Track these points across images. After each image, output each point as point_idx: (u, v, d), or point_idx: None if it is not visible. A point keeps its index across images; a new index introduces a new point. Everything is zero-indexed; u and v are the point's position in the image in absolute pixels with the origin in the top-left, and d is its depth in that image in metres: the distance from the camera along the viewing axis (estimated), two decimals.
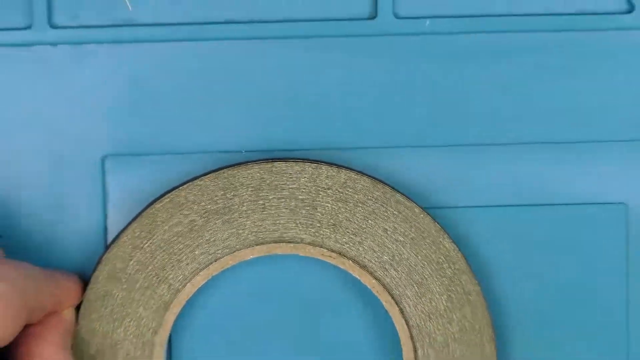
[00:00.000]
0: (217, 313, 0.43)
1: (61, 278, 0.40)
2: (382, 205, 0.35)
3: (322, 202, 0.35)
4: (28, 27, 0.35)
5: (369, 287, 0.35)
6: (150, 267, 0.36)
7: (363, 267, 0.35)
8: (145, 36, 0.35)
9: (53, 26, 0.35)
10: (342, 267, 0.35)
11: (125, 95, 0.36)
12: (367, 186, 0.35)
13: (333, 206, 0.35)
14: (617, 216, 0.38)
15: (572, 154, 0.38)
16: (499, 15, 0.36)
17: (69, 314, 0.40)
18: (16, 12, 0.35)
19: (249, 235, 0.35)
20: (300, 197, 0.35)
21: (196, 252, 0.35)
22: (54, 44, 0.35)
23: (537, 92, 0.38)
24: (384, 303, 0.35)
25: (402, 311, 0.35)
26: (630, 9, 0.38)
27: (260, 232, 0.35)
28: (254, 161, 0.34)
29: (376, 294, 0.35)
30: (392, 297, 0.35)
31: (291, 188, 0.35)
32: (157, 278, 0.36)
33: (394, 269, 0.35)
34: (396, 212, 0.35)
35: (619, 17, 0.38)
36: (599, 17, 0.38)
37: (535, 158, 0.38)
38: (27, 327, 0.39)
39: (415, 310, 0.35)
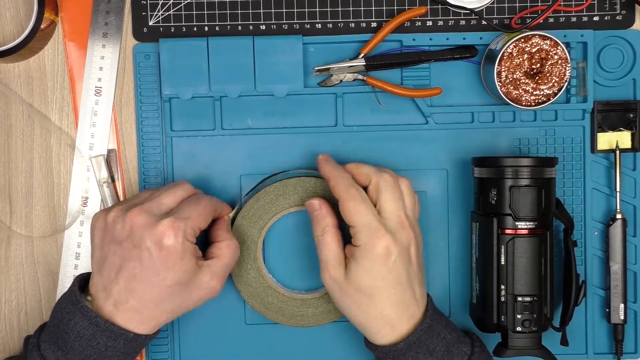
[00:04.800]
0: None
1: (217, 200, 0.75)
2: None
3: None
4: (212, 129, 0.82)
5: None
6: (257, 212, 0.79)
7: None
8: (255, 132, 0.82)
9: (224, 128, 0.80)
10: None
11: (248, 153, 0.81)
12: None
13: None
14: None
15: None
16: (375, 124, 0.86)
17: (228, 216, 0.76)
18: (208, 121, 0.82)
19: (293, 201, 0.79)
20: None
21: (273, 209, 0.80)
22: (223, 135, 0.80)
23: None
24: None
25: None
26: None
27: (297, 204, 0.78)
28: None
29: None
30: None
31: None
32: (260, 217, 0.79)
33: None
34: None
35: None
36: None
37: None
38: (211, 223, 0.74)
39: None
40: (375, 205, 0.71)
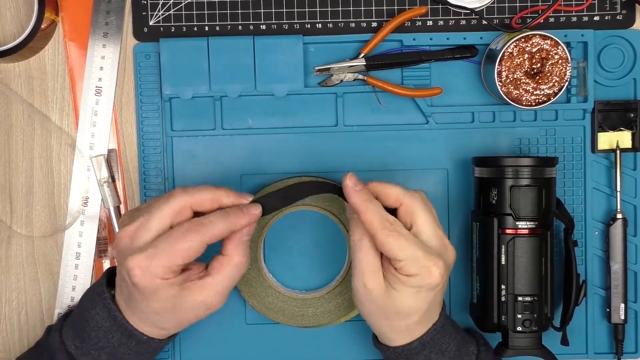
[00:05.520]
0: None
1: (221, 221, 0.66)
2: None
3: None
4: (213, 129, 0.83)
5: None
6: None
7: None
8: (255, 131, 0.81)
9: (224, 128, 0.81)
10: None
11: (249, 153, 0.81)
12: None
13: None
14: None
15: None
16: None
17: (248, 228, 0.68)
18: (209, 121, 0.82)
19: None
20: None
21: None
22: (223, 135, 0.80)
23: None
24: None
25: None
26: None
27: (297, 204, 0.77)
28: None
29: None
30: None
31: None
32: (261, 217, 0.74)
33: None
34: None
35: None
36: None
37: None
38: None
39: None
40: (410, 229, 0.68)
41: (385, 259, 0.69)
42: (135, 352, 0.69)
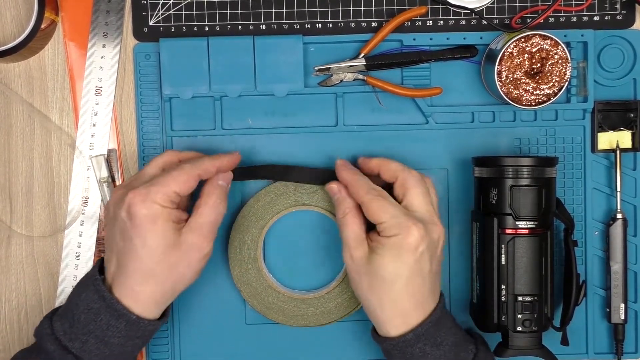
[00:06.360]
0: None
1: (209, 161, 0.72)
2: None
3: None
4: (213, 129, 0.83)
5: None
6: (257, 212, 0.78)
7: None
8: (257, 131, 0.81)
9: (224, 128, 0.81)
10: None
11: (249, 153, 0.81)
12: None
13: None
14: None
15: None
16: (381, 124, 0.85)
17: (228, 173, 0.74)
18: (209, 121, 0.82)
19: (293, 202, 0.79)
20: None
21: (274, 209, 0.80)
22: (223, 135, 0.80)
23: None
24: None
25: None
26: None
27: (297, 203, 0.79)
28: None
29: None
30: None
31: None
32: (260, 217, 0.79)
33: None
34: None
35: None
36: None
37: None
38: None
39: None
40: (402, 202, 0.72)
41: (373, 232, 0.72)
42: (125, 335, 0.69)
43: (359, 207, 0.73)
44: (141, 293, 0.69)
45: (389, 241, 0.70)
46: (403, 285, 0.70)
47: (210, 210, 0.71)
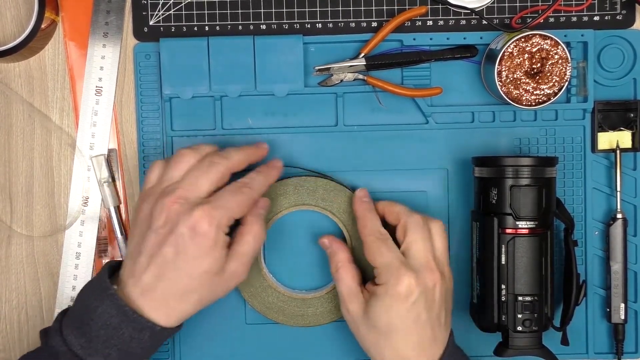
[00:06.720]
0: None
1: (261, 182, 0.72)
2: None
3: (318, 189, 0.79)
4: (213, 129, 0.82)
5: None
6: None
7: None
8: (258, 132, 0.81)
9: (224, 128, 0.80)
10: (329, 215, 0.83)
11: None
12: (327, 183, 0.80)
13: (323, 194, 0.79)
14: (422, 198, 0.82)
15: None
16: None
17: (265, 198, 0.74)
18: (209, 121, 0.82)
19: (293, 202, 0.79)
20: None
21: (274, 209, 0.79)
22: (223, 135, 0.80)
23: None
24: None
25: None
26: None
27: (297, 203, 0.79)
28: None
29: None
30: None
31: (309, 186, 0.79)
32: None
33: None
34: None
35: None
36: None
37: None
38: None
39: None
40: (401, 247, 0.72)
41: (369, 282, 0.73)
42: (149, 345, 0.69)
43: (352, 258, 0.76)
44: (176, 309, 0.69)
45: (380, 289, 0.70)
46: (401, 336, 0.70)
47: (254, 239, 0.72)
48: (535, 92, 0.77)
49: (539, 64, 0.77)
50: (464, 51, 0.81)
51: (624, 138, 0.80)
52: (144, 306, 0.68)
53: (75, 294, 0.81)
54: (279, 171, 0.76)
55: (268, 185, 0.74)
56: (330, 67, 0.80)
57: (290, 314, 0.80)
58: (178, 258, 0.67)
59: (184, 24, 0.81)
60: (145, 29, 0.81)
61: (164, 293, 0.68)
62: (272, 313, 0.80)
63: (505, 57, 0.76)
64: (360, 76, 0.81)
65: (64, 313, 0.72)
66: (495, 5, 0.81)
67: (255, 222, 0.72)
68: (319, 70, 0.81)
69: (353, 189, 0.80)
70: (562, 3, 0.80)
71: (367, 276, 0.76)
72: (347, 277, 0.73)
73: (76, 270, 0.81)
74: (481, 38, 0.81)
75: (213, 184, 0.71)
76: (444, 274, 0.72)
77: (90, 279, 0.81)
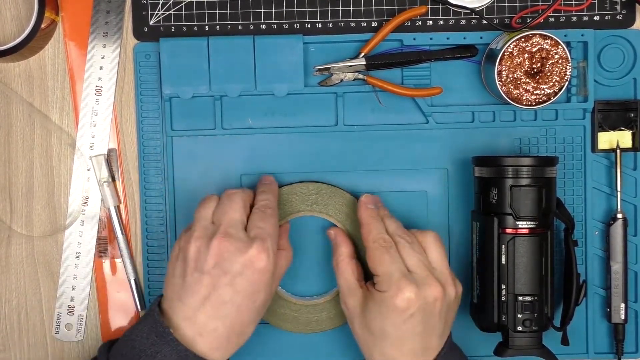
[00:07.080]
0: None
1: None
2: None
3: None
4: (213, 129, 0.83)
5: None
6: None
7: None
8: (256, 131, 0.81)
9: (224, 128, 0.81)
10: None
11: (249, 153, 0.81)
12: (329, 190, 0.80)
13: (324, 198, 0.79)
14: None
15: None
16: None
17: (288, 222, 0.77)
18: (209, 121, 0.82)
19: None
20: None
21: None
22: (223, 135, 0.80)
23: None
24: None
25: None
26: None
27: (293, 211, 0.79)
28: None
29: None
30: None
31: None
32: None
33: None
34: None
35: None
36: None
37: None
38: None
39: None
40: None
41: (370, 282, 0.72)
42: None
43: (353, 254, 0.76)
44: (237, 344, 0.70)
45: (379, 296, 0.70)
46: (392, 342, 0.70)
47: (287, 263, 0.75)
48: (535, 92, 0.77)
49: (539, 64, 0.77)
50: (464, 51, 0.81)
51: (624, 138, 0.80)
52: (203, 347, 0.68)
53: (75, 294, 0.81)
54: (276, 184, 0.78)
55: (277, 199, 0.76)
56: (330, 67, 0.80)
57: (305, 322, 0.80)
58: (238, 296, 0.68)
59: (184, 23, 0.81)
60: (145, 29, 0.81)
61: (226, 331, 0.68)
62: (286, 324, 0.80)
63: (505, 56, 0.76)
64: (360, 76, 0.81)
65: (108, 347, 0.71)
66: (495, 5, 0.81)
67: (289, 247, 0.76)
68: (319, 70, 0.81)
69: (348, 191, 0.79)
70: (562, 3, 0.80)
71: (369, 272, 0.75)
72: (346, 272, 0.73)
73: (76, 270, 0.81)
74: (481, 38, 0.81)
75: (243, 212, 0.72)
76: (446, 286, 0.71)
77: (90, 279, 0.81)
